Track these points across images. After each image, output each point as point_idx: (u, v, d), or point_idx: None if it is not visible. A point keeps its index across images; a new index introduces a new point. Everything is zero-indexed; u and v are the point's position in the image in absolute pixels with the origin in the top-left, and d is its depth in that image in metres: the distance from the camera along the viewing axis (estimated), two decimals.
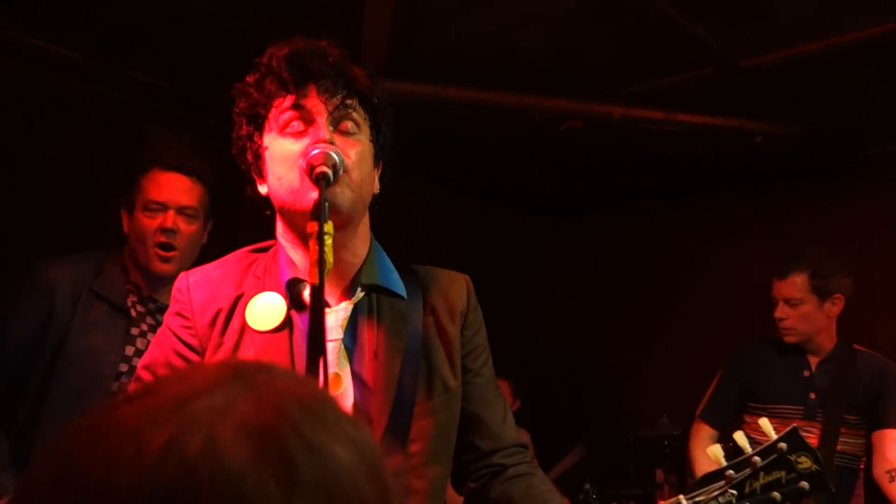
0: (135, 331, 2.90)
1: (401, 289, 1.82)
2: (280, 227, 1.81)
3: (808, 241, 4.34)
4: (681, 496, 1.86)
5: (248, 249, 1.89)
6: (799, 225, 5.81)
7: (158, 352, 1.82)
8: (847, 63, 4.13)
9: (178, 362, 1.77)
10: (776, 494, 1.83)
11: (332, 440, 0.66)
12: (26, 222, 3.91)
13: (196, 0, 3.53)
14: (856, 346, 3.80)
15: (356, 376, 1.72)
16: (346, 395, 1.70)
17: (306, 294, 1.69)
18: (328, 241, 1.53)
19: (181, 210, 2.94)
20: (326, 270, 1.51)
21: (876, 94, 4.57)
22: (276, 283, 1.76)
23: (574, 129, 4.74)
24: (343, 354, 1.73)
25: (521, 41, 4.01)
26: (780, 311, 3.72)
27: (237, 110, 1.79)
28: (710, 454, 1.91)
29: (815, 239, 4.86)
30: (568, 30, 3.87)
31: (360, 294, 1.78)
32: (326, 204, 1.58)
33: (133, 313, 2.92)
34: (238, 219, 2.32)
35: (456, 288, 1.92)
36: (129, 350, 2.86)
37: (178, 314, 1.81)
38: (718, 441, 3.90)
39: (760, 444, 3.00)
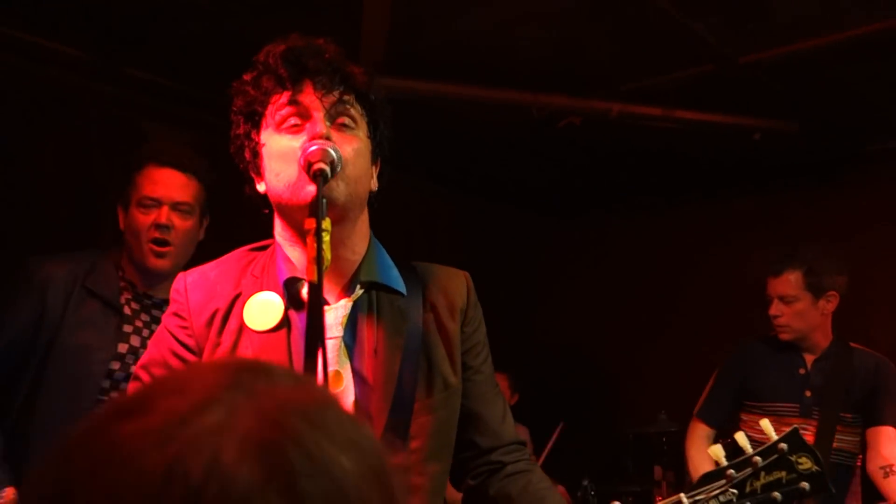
0: (128, 328, 2.89)
1: (400, 286, 1.82)
2: (278, 226, 1.81)
3: (808, 238, 4.34)
4: (681, 494, 1.87)
5: (247, 248, 1.88)
6: (798, 222, 5.81)
7: (156, 351, 1.81)
8: (846, 60, 4.13)
9: (175, 363, 1.76)
10: (777, 494, 1.83)
11: (334, 449, 0.65)
12: (25, 219, 3.91)
13: None
14: (852, 343, 3.80)
15: (356, 374, 1.72)
16: (346, 392, 1.70)
17: (304, 292, 1.69)
18: (326, 237, 1.53)
19: (176, 206, 2.93)
20: (324, 267, 1.51)
21: (875, 91, 4.58)
22: (273, 282, 1.75)
23: (572, 125, 4.74)
24: (343, 352, 1.72)
25: (519, 38, 4.01)
26: (775, 308, 3.73)
27: (234, 109, 1.79)
28: (711, 454, 1.91)
29: (814, 236, 4.86)
30: (566, 27, 3.88)
31: (359, 291, 1.77)
32: (324, 201, 1.58)
33: (127, 310, 2.91)
34: (236, 217, 2.32)
35: (456, 285, 1.91)
36: (122, 347, 2.86)
37: (176, 314, 1.80)
38: (715, 440, 3.91)
39: (759, 442, 3.00)
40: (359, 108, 1.77)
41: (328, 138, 1.66)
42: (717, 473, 1.88)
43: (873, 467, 3.58)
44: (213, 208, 3.11)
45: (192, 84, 4.38)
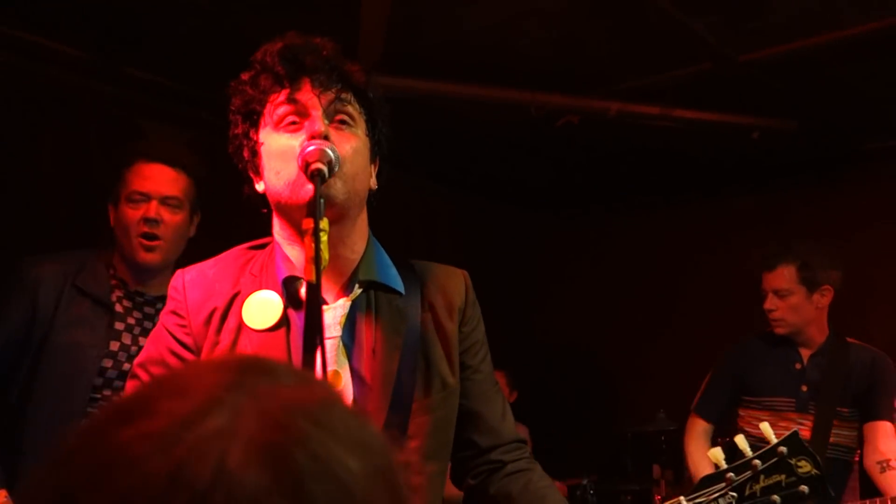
0: (119, 326, 2.89)
1: (399, 285, 1.81)
2: (277, 225, 1.80)
3: (807, 236, 4.33)
4: (681, 498, 1.86)
5: (245, 247, 1.88)
6: (797, 220, 5.81)
7: (154, 350, 1.80)
8: (844, 59, 4.13)
9: (173, 361, 1.75)
10: (776, 498, 1.83)
11: (341, 449, 0.64)
12: (24, 219, 3.91)
13: None
14: (848, 338, 3.80)
15: (355, 373, 1.71)
16: (345, 392, 1.70)
17: (303, 292, 1.68)
18: (324, 237, 1.53)
19: (164, 200, 2.93)
20: (322, 267, 1.50)
21: (873, 90, 4.58)
22: (272, 280, 1.75)
23: (571, 124, 4.73)
24: (342, 351, 1.72)
25: (518, 37, 4.00)
26: (769, 302, 3.74)
27: (233, 108, 1.78)
28: (710, 456, 1.90)
29: (813, 234, 4.85)
30: (565, 25, 3.87)
31: (357, 291, 1.77)
32: (322, 201, 1.58)
33: (118, 308, 2.91)
34: (234, 216, 2.31)
35: (454, 283, 1.91)
36: (114, 345, 2.86)
37: (174, 312, 1.79)
38: (713, 436, 3.93)
39: (755, 437, 3.00)
40: (357, 105, 1.76)
41: (326, 136, 1.65)
42: (717, 476, 1.88)
43: (870, 462, 3.58)
44: (211, 207, 3.11)
45: (191, 83, 4.37)
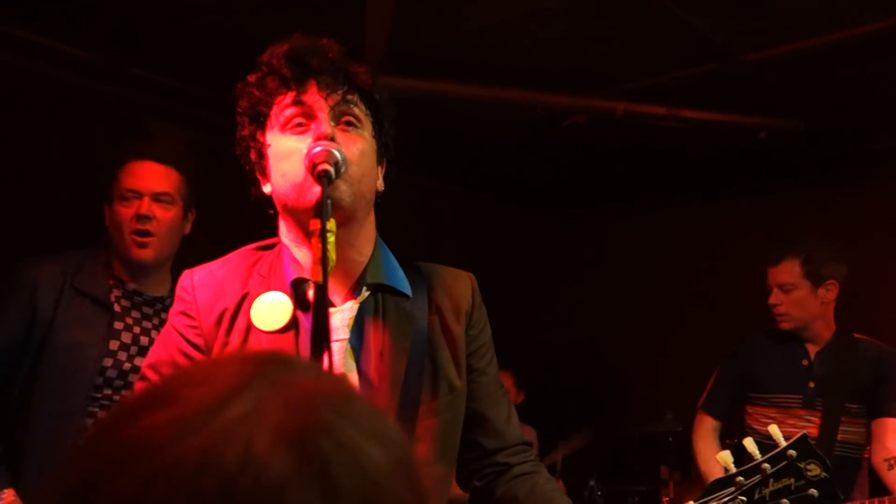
0: (118, 325, 2.91)
1: (406, 287, 1.81)
2: (284, 227, 1.80)
3: (815, 235, 4.33)
4: (691, 502, 1.86)
5: (252, 247, 1.88)
6: (804, 220, 5.79)
7: (164, 351, 1.80)
8: (851, 58, 4.11)
9: (183, 362, 1.75)
10: (785, 501, 1.83)
11: (363, 439, 0.65)
12: (29, 218, 3.91)
13: None
14: (856, 334, 3.79)
15: (362, 376, 1.71)
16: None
17: (311, 294, 1.68)
18: (331, 238, 1.53)
19: (156, 197, 2.96)
20: (329, 268, 1.50)
21: (880, 90, 4.56)
22: (280, 282, 1.75)
23: (577, 124, 4.73)
24: (349, 354, 1.72)
25: (523, 37, 4.00)
26: (774, 297, 3.74)
27: (239, 110, 1.79)
28: (719, 459, 1.90)
29: (819, 233, 4.84)
30: (570, 25, 3.86)
31: (365, 293, 1.77)
32: (329, 201, 1.58)
33: (117, 308, 2.93)
34: (237, 215, 2.31)
35: (461, 286, 1.91)
36: (114, 344, 2.88)
37: (183, 313, 1.79)
38: (721, 433, 3.92)
39: (762, 434, 2.99)
40: (363, 107, 1.77)
41: (333, 138, 1.66)
42: (727, 480, 1.88)
43: (878, 460, 3.57)
44: (215, 206, 3.11)
45: (195, 83, 4.37)
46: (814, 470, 1.84)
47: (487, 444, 1.89)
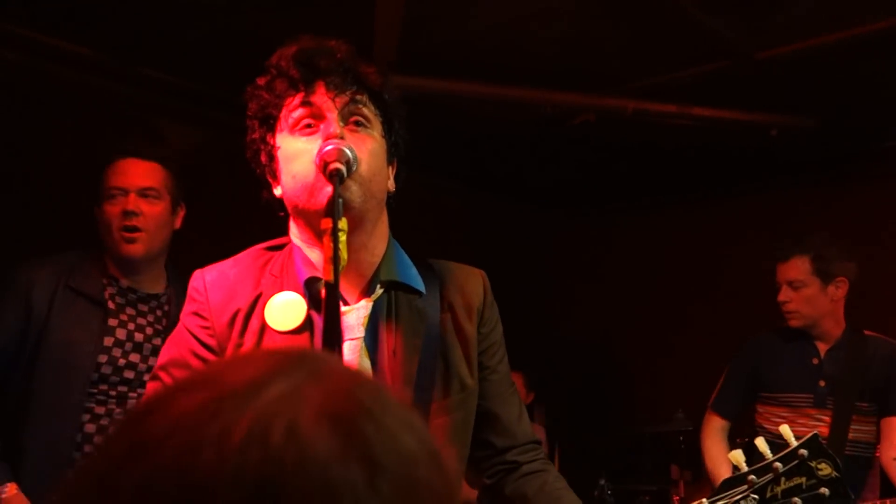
0: (113, 322, 2.95)
1: (419, 284, 1.81)
2: (295, 229, 1.80)
3: (827, 233, 4.31)
4: (703, 500, 1.87)
5: (263, 247, 1.88)
6: (814, 218, 5.77)
7: (176, 352, 1.80)
8: (863, 55, 4.10)
9: (196, 363, 1.75)
10: (797, 500, 1.85)
11: (399, 427, 0.66)
12: (40, 218, 3.92)
13: None
14: (866, 331, 3.77)
15: (378, 374, 1.72)
16: None
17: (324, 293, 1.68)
18: (342, 237, 1.53)
19: (142, 192, 3.00)
20: (341, 267, 1.50)
21: (893, 87, 4.53)
22: (293, 282, 1.75)
23: (587, 123, 4.72)
24: (364, 353, 1.72)
25: (533, 35, 3.99)
26: (784, 294, 3.72)
27: (249, 114, 1.79)
28: (731, 458, 1.92)
29: (832, 231, 4.82)
30: (581, 23, 3.85)
31: (379, 291, 1.77)
32: (341, 200, 1.58)
33: (111, 305, 2.97)
34: (247, 213, 2.31)
35: (473, 284, 1.91)
36: (108, 341, 2.92)
37: (196, 314, 1.79)
38: (730, 433, 3.91)
39: (773, 434, 2.98)
40: (372, 107, 1.77)
41: (342, 138, 1.66)
42: (739, 479, 1.89)
43: (887, 458, 3.56)
44: (225, 205, 3.12)
45: (206, 83, 4.38)
46: (825, 469, 1.85)
47: (498, 442, 1.90)
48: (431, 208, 6.00)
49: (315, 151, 1.65)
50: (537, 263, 7.07)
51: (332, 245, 1.50)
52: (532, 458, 1.92)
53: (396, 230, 1.89)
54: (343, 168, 1.60)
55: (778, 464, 1.87)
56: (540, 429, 5.58)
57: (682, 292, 6.50)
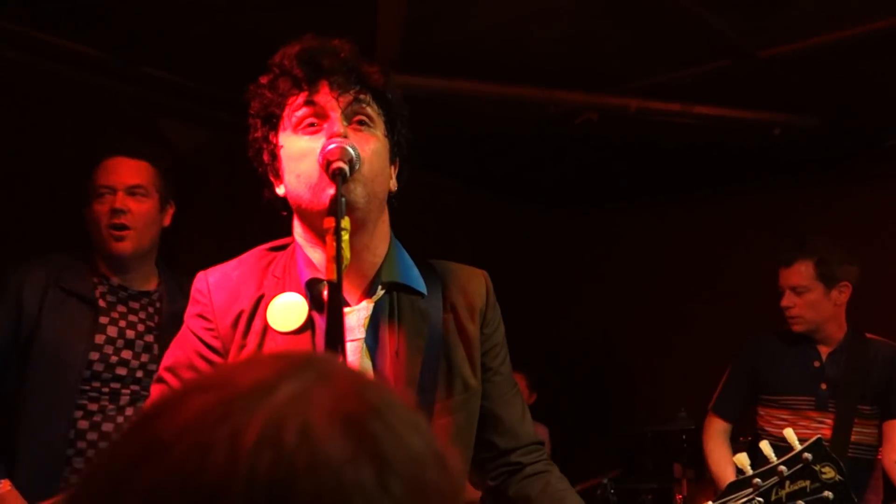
0: (104, 320, 2.97)
1: (421, 286, 1.81)
2: (298, 228, 1.80)
3: (829, 232, 4.30)
4: (709, 503, 1.87)
5: (265, 248, 1.88)
6: (818, 216, 5.77)
7: (181, 353, 1.80)
8: (866, 54, 4.09)
9: (201, 364, 1.76)
10: (801, 503, 1.83)
11: (405, 427, 0.67)
12: (43, 217, 3.93)
13: None
14: (868, 334, 3.76)
15: (379, 375, 1.71)
16: None
17: (326, 293, 1.68)
18: (345, 236, 1.52)
19: (130, 190, 3.02)
20: (344, 266, 1.50)
21: (895, 85, 4.53)
22: (295, 283, 1.75)
23: (590, 122, 4.71)
24: (365, 354, 1.72)
25: (535, 34, 3.98)
26: (787, 299, 3.70)
27: (252, 112, 1.79)
28: (736, 462, 1.92)
29: (835, 231, 4.82)
30: (583, 22, 3.85)
31: (380, 292, 1.77)
32: (343, 199, 1.57)
33: (102, 303, 2.99)
34: (252, 213, 2.31)
35: (475, 285, 1.91)
36: (100, 338, 2.94)
37: (200, 316, 1.79)
38: (732, 435, 3.90)
39: (775, 437, 2.97)
40: (375, 106, 1.76)
41: (346, 137, 1.65)
42: (744, 482, 1.90)
43: (889, 461, 3.55)
44: (229, 205, 3.12)
45: (209, 82, 4.38)
46: (829, 473, 1.85)
47: (501, 443, 1.90)
48: (433, 207, 6.00)
49: (318, 150, 1.64)
50: (538, 262, 7.07)
51: (334, 244, 1.50)
52: (535, 460, 1.92)
53: (398, 229, 1.89)
54: (346, 167, 1.60)
55: (782, 467, 1.88)
56: (543, 428, 5.58)
57: (683, 291, 6.50)
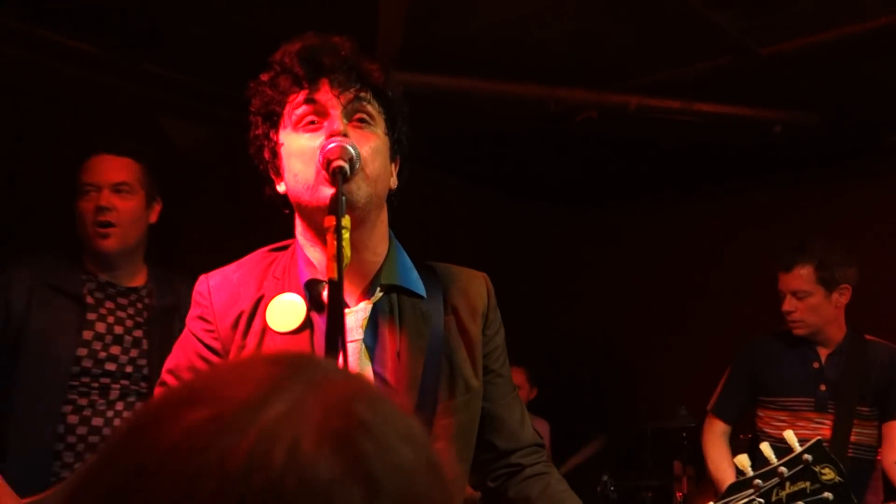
0: (92, 316, 2.98)
1: (420, 288, 1.81)
2: (299, 226, 1.80)
3: (829, 231, 4.30)
4: (710, 503, 1.88)
5: (267, 249, 1.89)
6: (819, 214, 5.77)
7: (182, 355, 1.82)
8: (868, 51, 4.09)
9: (201, 366, 1.77)
10: None
11: (396, 439, 0.66)
12: (44, 215, 3.93)
13: None
14: (867, 335, 3.76)
15: (378, 376, 1.72)
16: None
17: (325, 294, 1.68)
18: (345, 235, 1.53)
19: (115, 187, 3.03)
20: (344, 265, 1.50)
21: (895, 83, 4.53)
22: (295, 283, 1.75)
23: (590, 119, 4.71)
24: (364, 354, 1.72)
25: (535, 32, 3.98)
26: (788, 304, 3.69)
27: (252, 110, 1.79)
28: (737, 463, 1.94)
29: (834, 228, 4.82)
30: (583, 19, 3.85)
31: (378, 294, 1.77)
32: (344, 198, 1.58)
33: (90, 300, 3.00)
34: (253, 211, 2.31)
35: (476, 287, 1.92)
36: (87, 335, 2.95)
37: (200, 318, 1.81)
38: (731, 436, 3.91)
39: (775, 438, 2.98)
40: (376, 104, 1.76)
41: (346, 135, 1.65)
42: (745, 483, 1.91)
43: (888, 462, 3.56)
44: (230, 204, 3.12)
45: (210, 79, 4.38)
46: (828, 474, 1.87)
47: (501, 444, 1.91)
48: (434, 204, 6.00)
49: (318, 148, 1.64)
50: (539, 259, 7.07)
51: (335, 243, 1.50)
52: (535, 461, 1.93)
53: (398, 226, 1.89)
54: (346, 166, 1.60)
55: (783, 468, 1.89)
56: (544, 423, 5.59)
57: (684, 288, 6.50)
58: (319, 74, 1.70)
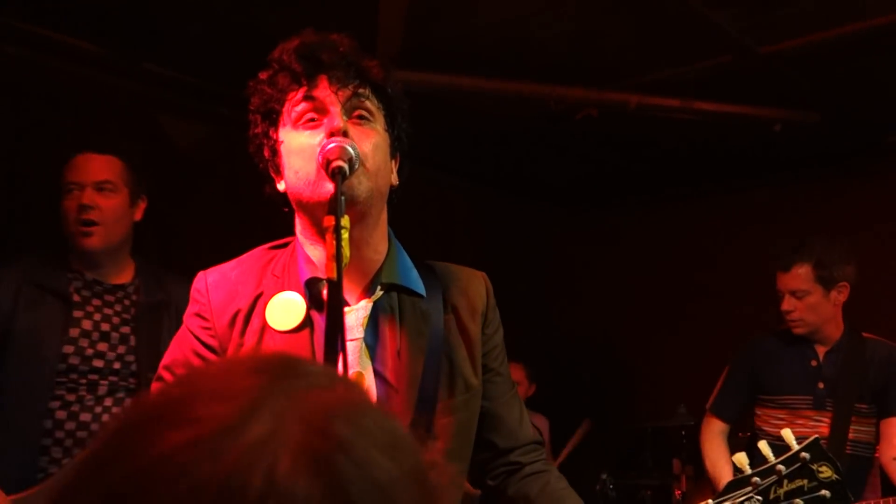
0: (78, 314, 2.99)
1: (420, 287, 1.81)
2: (299, 225, 1.80)
3: (828, 230, 4.30)
4: (709, 500, 1.89)
5: (267, 247, 1.88)
6: (818, 213, 5.77)
7: (179, 352, 1.82)
8: (868, 50, 4.09)
9: (197, 363, 1.76)
10: (799, 501, 1.89)
11: (377, 452, 0.65)
12: (44, 214, 3.92)
13: None
14: (865, 333, 3.77)
15: (378, 375, 1.72)
16: (369, 393, 1.69)
17: (325, 293, 1.68)
18: (345, 235, 1.53)
19: (98, 186, 3.04)
20: (344, 265, 1.50)
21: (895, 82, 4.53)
22: (294, 282, 1.75)
23: (590, 118, 4.71)
24: (365, 353, 1.72)
25: (536, 30, 3.98)
26: (787, 303, 3.69)
27: (252, 108, 1.78)
28: (735, 461, 1.94)
29: (834, 226, 4.82)
30: (583, 18, 3.85)
31: (379, 292, 1.77)
32: (343, 198, 1.57)
33: (76, 298, 3.01)
34: (253, 210, 2.31)
35: (475, 286, 1.91)
36: (74, 332, 2.96)
37: (198, 315, 1.80)
38: (730, 434, 3.91)
39: (773, 436, 2.98)
40: (375, 101, 1.76)
41: (345, 132, 1.65)
42: (743, 481, 1.92)
43: (886, 459, 3.57)
44: (231, 203, 3.12)
45: (210, 79, 4.38)
46: (826, 472, 1.88)
47: (500, 443, 1.91)
48: (434, 204, 6.00)
49: (318, 146, 1.64)
50: (539, 258, 7.07)
51: (334, 242, 1.49)
52: (534, 459, 1.93)
53: (398, 225, 1.88)
54: (345, 166, 1.59)
55: (780, 466, 1.91)
56: (543, 419, 5.59)
57: (684, 288, 6.50)
58: (318, 71, 1.69)
